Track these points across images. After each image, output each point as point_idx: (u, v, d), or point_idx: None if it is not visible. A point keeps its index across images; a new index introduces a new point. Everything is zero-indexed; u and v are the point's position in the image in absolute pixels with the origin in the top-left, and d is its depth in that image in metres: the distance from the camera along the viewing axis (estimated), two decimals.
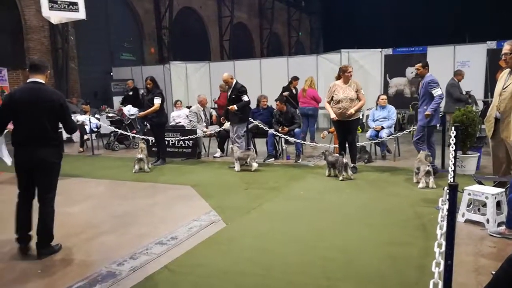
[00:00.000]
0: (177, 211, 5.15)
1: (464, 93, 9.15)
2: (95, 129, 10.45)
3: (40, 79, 3.82)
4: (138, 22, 18.28)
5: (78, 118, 10.96)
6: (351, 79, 6.70)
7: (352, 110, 6.48)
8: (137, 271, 3.41)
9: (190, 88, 15.15)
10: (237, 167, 7.28)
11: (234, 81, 7.76)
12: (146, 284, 3.20)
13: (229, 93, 7.78)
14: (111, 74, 16.46)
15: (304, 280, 3.15)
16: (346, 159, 6.39)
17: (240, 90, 7.63)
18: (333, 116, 6.71)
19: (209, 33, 22.47)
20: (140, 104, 12.02)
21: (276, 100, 8.38)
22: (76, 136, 11.62)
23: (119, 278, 3.30)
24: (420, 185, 5.68)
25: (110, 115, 11.05)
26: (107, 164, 8.45)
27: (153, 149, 8.55)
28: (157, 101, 7.85)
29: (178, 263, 3.55)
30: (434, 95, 6.14)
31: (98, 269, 3.46)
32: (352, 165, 6.67)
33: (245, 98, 7.60)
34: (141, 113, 8.31)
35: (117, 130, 10.00)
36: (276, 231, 4.25)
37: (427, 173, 5.68)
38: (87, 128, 10.30)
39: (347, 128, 6.71)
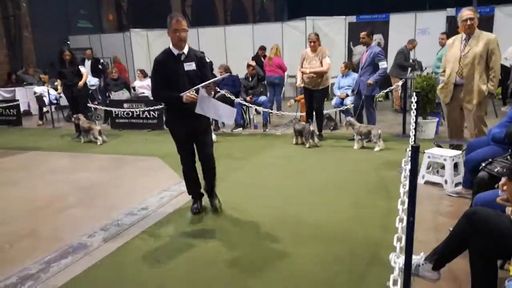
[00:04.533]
0: (146, 182, 5.13)
1: (411, 60, 9.56)
2: (55, 101, 10.04)
3: None
4: None
5: (36, 89, 10.50)
6: (318, 48, 6.72)
7: (306, 70, 6.56)
8: (109, 242, 3.41)
9: (152, 57, 14.70)
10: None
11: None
12: (119, 254, 3.22)
13: None
14: (68, 42, 15.69)
15: (274, 246, 3.25)
16: (313, 126, 6.51)
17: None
18: (298, 82, 6.79)
19: None
20: (99, 75, 11.62)
21: (248, 66, 8.40)
22: (34, 108, 11.16)
23: (90, 249, 3.30)
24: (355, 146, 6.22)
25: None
26: (69, 137, 8.20)
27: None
28: (83, 69, 8.27)
29: (150, 233, 3.58)
30: (380, 66, 6.35)
31: (68, 242, 3.44)
32: (318, 133, 6.81)
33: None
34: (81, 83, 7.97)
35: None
36: (246, 199, 4.34)
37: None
38: (46, 100, 9.89)
39: (313, 96, 6.80)
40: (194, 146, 3.89)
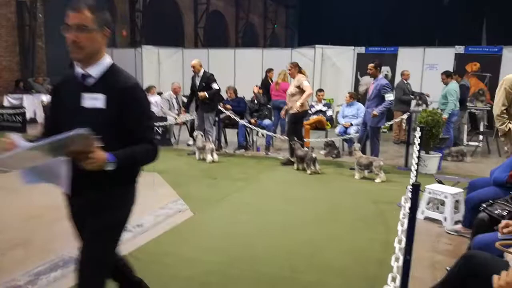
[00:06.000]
0: (144, 198, 5.06)
1: (412, 93, 9.64)
2: None
3: None
4: (110, 3, 17.74)
5: (43, 98, 10.62)
6: (296, 75, 6.97)
7: (298, 103, 6.74)
8: None
9: (162, 74, 14.89)
10: (197, 155, 7.30)
11: (203, 70, 7.72)
12: None
13: (198, 81, 7.70)
14: None
15: (270, 271, 3.21)
16: (315, 153, 6.51)
17: (210, 78, 7.60)
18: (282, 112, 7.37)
19: (184, 19, 22.09)
20: None
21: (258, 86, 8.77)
22: (40, 116, 11.25)
23: None
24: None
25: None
26: None
27: None
28: None
29: (143, 251, 3.53)
30: (386, 99, 6.41)
31: (59, 254, 3.40)
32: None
33: (215, 86, 7.58)
34: None
35: None
36: (244, 222, 4.29)
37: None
38: None
39: (288, 120, 7.16)
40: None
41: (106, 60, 1.96)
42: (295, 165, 6.72)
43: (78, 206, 2.06)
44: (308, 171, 6.41)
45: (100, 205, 1.98)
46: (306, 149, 6.72)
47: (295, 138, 6.79)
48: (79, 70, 1.94)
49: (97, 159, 1.73)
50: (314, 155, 6.44)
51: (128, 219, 2.16)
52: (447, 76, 8.02)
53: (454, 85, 7.89)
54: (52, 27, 14.29)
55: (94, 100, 1.90)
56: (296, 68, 6.99)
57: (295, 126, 7.06)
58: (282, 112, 7.38)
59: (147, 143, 1.98)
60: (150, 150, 2.03)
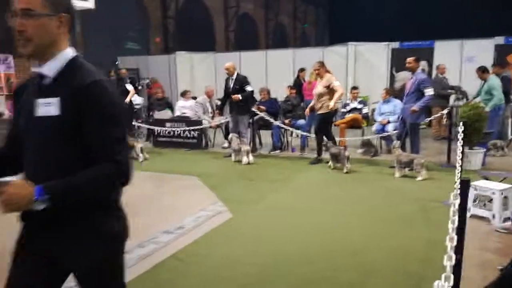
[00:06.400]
0: (184, 201, 5.19)
1: (450, 87, 9.39)
2: None
3: None
4: (143, 10, 18.21)
5: None
6: (324, 75, 6.90)
7: (331, 103, 6.73)
8: (146, 259, 3.45)
9: (195, 78, 15.13)
10: (233, 157, 7.36)
11: (236, 72, 7.77)
12: (155, 272, 3.25)
13: (231, 84, 7.75)
14: (117, 63, 16.44)
15: (310, 271, 3.19)
16: (349, 152, 6.44)
17: (243, 81, 7.64)
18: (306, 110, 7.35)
19: (214, 23, 22.36)
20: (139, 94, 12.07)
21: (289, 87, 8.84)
22: None
23: (128, 265, 3.33)
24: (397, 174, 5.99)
25: None
26: None
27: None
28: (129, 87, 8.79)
29: (186, 252, 3.59)
30: (426, 94, 6.22)
31: None
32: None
33: (248, 88, 7.62)
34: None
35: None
36: (282, 223, 4.28)
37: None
38: None
39: (317, 119, 7.10)
40: None
41: (66, 54, 1.52)
42: (330, 163, 6.65)
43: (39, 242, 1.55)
44: (344, 170, 6.33)
45: (65, 250, 1.52)
46: (340, 147, 6.66)
47: (326, 137, 6.80)
48: (37, 69, 1.52)
49: (15, 199, 1.32)
50: (347, 153, 6.36)
51: (116, 260, 1.68)
52: (482, 71, 7.73)
53: (496, 80, 7.57)
54: (89, 37, 14.84)
55: (47, 106, 1.46)
56: (324, 67, 6.97)
57: (326, 125, 7.06)
58: (307, 110, 7.36)
59: (108, 162, 1.44)
60: (108, 175, 1.46)
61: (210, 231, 4.08)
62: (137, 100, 10.84)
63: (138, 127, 9.89)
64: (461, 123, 4.49)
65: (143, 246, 3.71)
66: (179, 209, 4.78)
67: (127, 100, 8.24)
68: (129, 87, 8.65)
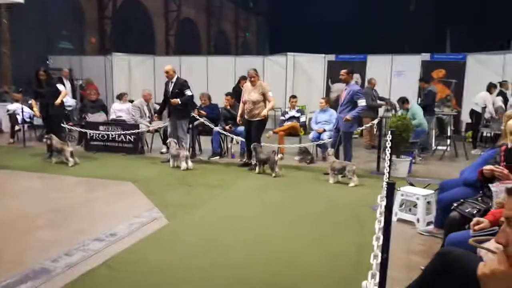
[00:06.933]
0: (117, 207, 4.98)
1: (379, 99, 10.07)
2: (28, 119, 9.78)
3: None
4: (79, 9, 17.39)
5: (9, 107, 10.26)
6: (257, 82, 7.11)
7: (264, 112, 6.97)
8: (73, 268, 3.26)
9: (132, 81, 14.68)
10: (171, 162, 7.23)
11: (176, 76, 7.65)
12: (82, 280, 3.07)
13: (171, 87, 7.61)
14: (48, 62, 15.51)
15: (248, 276, 3.19)
16: (278, 157, 6.68)
17: (183, 85, 7.53)
18: (238, 117, 7.40)
19: (154, 26, 21.92)
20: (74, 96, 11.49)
21: (226, 95, 8.69)
22: (6, 126, 10.84)
23: (53, 274, 3.14)
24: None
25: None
26: (40, 157, 7.95)
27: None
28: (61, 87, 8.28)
29: (118, 260, 3.44)
30: (359, 104, 6.59)
31: (31, 265, 3.26)
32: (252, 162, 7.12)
33: (188, 92, 7.51)
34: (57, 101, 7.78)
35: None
36: (220, 229, 4.26)
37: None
38: (19, 118, 9.63)
39: (251, 127, 7.18)
40: None
41: None
42: (257, 169, 6.80)
43: None
44: (273, 174, 6.50)
45: None
46: (269, 152, 6.79)
47: (256, 143, 6.96)
48: None
49: None
50: (276, 158, 6.52)
51: None
52: (403, 102, 8.49)
53: (418, 108, 8.27)
54: (17, 33, 13.88)
55: None
56: (258, 76, 7.17)
57: (261, 132, 7.22)
58: (238, 118, 7.43)
59: None
60: None
61: (144, 238, 3.95)
62: (69, 101, 10.29)
63: (69, 130, 9.37)
64: (389, 133, 4.77)
65: (71, 254, 3.50)
66: (112, 216, 4.58)
67: (58, 101, 7.75)
68: (61, 87, 8.16)
